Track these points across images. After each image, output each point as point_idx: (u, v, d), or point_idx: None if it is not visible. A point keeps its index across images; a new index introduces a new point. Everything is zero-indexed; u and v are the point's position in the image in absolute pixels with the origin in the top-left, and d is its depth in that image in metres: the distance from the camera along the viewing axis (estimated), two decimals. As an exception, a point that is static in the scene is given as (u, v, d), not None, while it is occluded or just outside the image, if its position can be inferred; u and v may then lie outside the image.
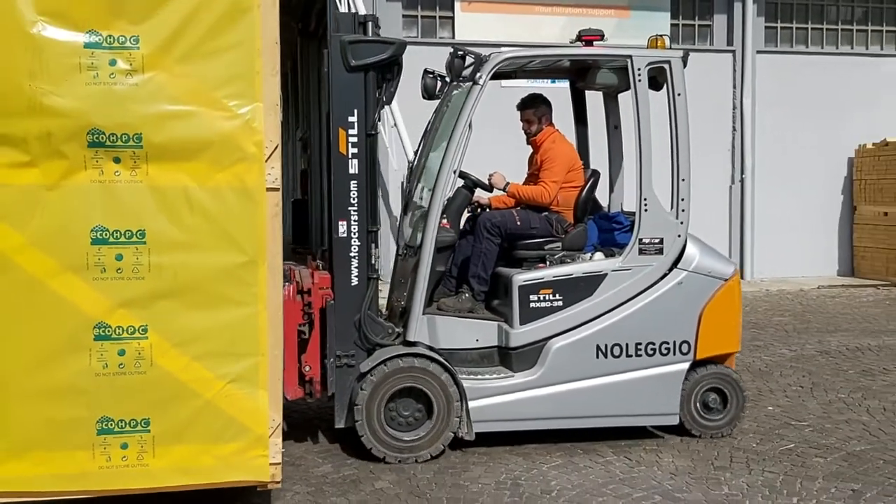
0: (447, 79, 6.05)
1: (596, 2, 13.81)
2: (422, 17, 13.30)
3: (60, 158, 3.89)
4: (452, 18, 13.42)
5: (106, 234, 3.95)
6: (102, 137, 3.91)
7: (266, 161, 4.05)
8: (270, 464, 4.15)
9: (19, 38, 3.82)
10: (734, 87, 14.11)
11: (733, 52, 14.12)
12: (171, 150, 3.97)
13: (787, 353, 8.74)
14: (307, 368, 5.28)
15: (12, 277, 3.89)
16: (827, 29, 14.89)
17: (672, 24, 14.13)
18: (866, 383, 7.51)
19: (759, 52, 14.20)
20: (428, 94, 6.03)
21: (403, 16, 13.03)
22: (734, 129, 14.16)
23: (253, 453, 4.12)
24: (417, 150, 6.40)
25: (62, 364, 3.95)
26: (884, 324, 10.54)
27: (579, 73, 6.71)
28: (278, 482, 4.22)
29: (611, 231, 6.23)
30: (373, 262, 5.51)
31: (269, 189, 4.06)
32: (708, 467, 5.39)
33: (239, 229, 4.05)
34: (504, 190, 6.23)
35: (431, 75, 5.96)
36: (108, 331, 3.97)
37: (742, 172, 14.18)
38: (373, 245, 5.52)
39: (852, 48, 14.90)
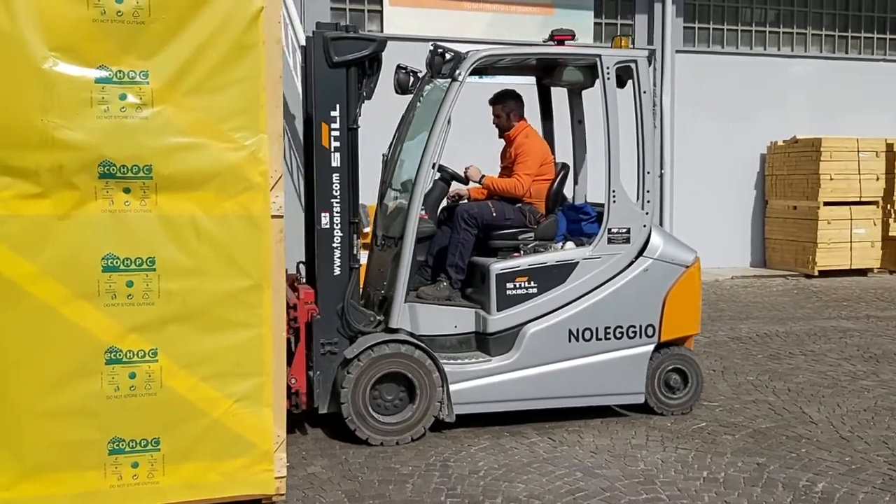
0: (419, 74, 6.25)
1: (522, -1, 14.08)
2: (350, 10, 13.37)
3: (72, 189, 4.00)
4: (381, 12, 13.49)
5: (117, 262, 4.08)
6: (113, 169, 4.03)
7: (270, 190, 4.23)
8: (275, 477, 4.35)
9: (31, 73, 3.90)
10: (654, 84, 14.55)
11: (653, 50, 14.54)
12: (180, 180, 4.11)
13: (701, 339, 9.14)
14: (293, 381, 5.47)
15: (25, 306, 3.99)
16: (741, 30, 15.47)
17: (595, 23, 14.48)
18: (773, 366, 8.01)
19: (678, 51, 14.74)
20: (401, 88, 6.23)
21: (332, 8, 13.10)
22: (654, 125, 14.59)
23: (259, 468, 4.32)
24: (391, 143, 6.61)
25: (75, 388, 4.07)
26: (791, 311, 11.17)
27: (546, 71, 7.02)
28: (282, 494, 4.43)
29: (578, 221, 6.58)
30: (354, 252, 5.75)
31: (273, 216, 4.25)
32: (626, 445, 5.72)
33: (244, 255, 4.22)
34: (480, 182, 6.51)
35: (404, 70, 6.16)
36: (120, 355, 4.11)
37: (661, 168, 14.66)
38: (354, 236, 5.75)
39: (765, 49, 15.54)
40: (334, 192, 5.64)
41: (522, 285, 6.07)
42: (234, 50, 4.14)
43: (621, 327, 6.17)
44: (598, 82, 6.29)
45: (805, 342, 9.15)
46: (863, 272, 14.41)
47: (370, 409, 5.69)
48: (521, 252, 6.32)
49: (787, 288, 13.34)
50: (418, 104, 6.57)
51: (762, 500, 4.83)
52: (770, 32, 15.60)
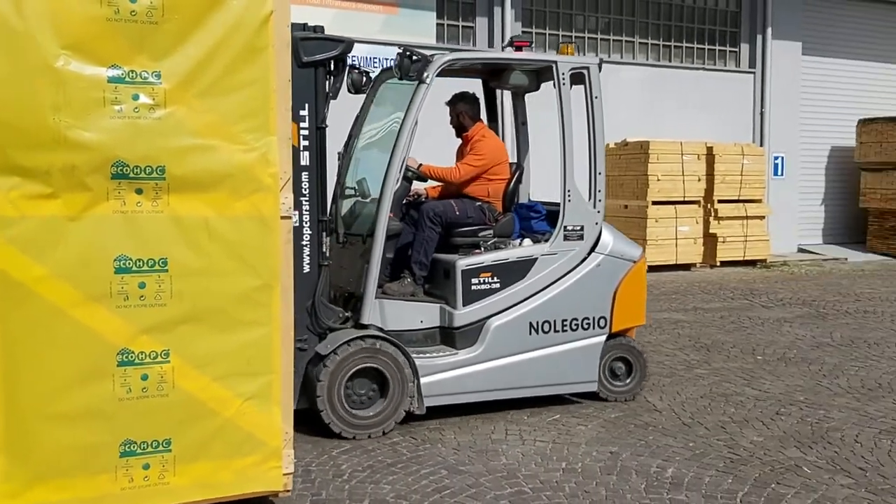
0: (371, 75, 6.33)
1: (366, -4, 14.19)
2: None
3: (84, 190, 3.92)
4: (221, 4, 13.27)
5: (129, 263, 4.03)
6: (126, 169, 3.98)
7: (280, 191, 4.29)
8: (284, 474, 4.41)
9: (43, 71, 3.81)
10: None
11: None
12: (192, 181, 4.10)
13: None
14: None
15: (35, 309, 3.89)
16: (576, 36, 16.21)
17: (438, 24, 14.77)
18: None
19: (517, 54, 15.23)
20: (354, 88, 6.30)
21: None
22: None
23: (268, 465, 4.36)
24: (346, 142, 6.74)
25: (86, 391, 4.00)
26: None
27: (493, 74, 7.32)
28: (289, 490, 4.49)
29: (529, 219, 6.87)
30: (324, 249, 5.82)
31: (282, 217, 4.30)
32: (486, 441, 5.91)
33: (255, 255, 4.25)
34: (417, 171, 6.66)
35: (358, 71, 6.23)
36: (132, 356, 4.06)
37: None
38: (324, 234, 5.83)
39: (596, 55, 16.34)
40: (304, 190, 5.67)
41: (486, 280, 6.32)
42: (245, 52, 4.16)
43: (577, 319, 6.51)
44: (544, 87, 6.67)
45: (642, 333, 9.59)
46: (687, 267, 15.48)
47: (345, 403, 5.79)
48: (482, 249, 6.56)
49: (618, 282, 14.09)
50: (372, 104, 6.71)
51: (618, 488, 5.11)
52: (602, 39, 16.48)
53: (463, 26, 15.10)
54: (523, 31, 15.44)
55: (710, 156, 15.42)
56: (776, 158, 17.76)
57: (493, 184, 6.87)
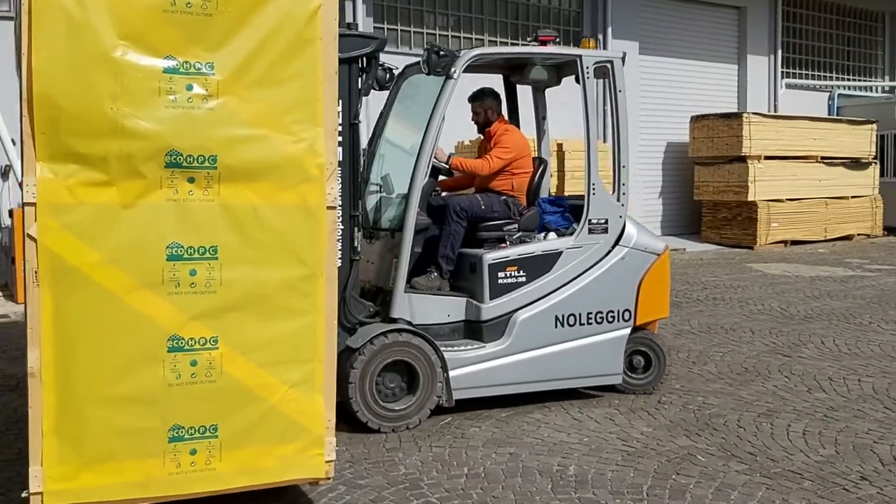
0: (395, 71, 6.44)
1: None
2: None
3: (138, 178, 4.00)
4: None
5: (181, 251, 4.10)
6: (180, 158, 4.06)
7: (326, 181, 4.37)
8: (325, 461, 4.47)
9: (102, 61, 3.89)
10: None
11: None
12: (242, 170, 4.17)
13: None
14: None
15: (89, 294, 3.96)
16: (427, 33, 16.29)
17: None
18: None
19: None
20: (379, 85, 6.39)
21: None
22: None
23: (311, 452, 4.42)
24: (370, 138, 6.84)
25: (137, 376, 4.07)
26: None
27: (513, 69, 7.38)
28: (330, 478, 4.54)
29: (553, 213, 6.95)
30: (355, 244, 5.88)
31: (328, 207, 4.38)
32: (381, 451, 5.65)
33: (302, 244, 4.32)
34: (447, 163, 6.73)
35: (381, 67, 6.33)
36: (182, 343, 4.13)
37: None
38: (355, 228, 5.89)
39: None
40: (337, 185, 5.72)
41: (512, 274, 6.40)
42: (295, 44, 4.24)
43: (601, 312, 6.59)
44: (564, 81, 6.89)
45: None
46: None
47: (376, 395, 5.86)
48: (508, 243, 6.64)
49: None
50: (396, 100, 6.79)
51: (526, 490, 4.98)
52: (452, 37, 16.58)
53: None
54: (375, 27, 15.43)
55: (560, 152, 15.59)
56: (618, 154, 18.17)
57: (518, 178, 6.97)
